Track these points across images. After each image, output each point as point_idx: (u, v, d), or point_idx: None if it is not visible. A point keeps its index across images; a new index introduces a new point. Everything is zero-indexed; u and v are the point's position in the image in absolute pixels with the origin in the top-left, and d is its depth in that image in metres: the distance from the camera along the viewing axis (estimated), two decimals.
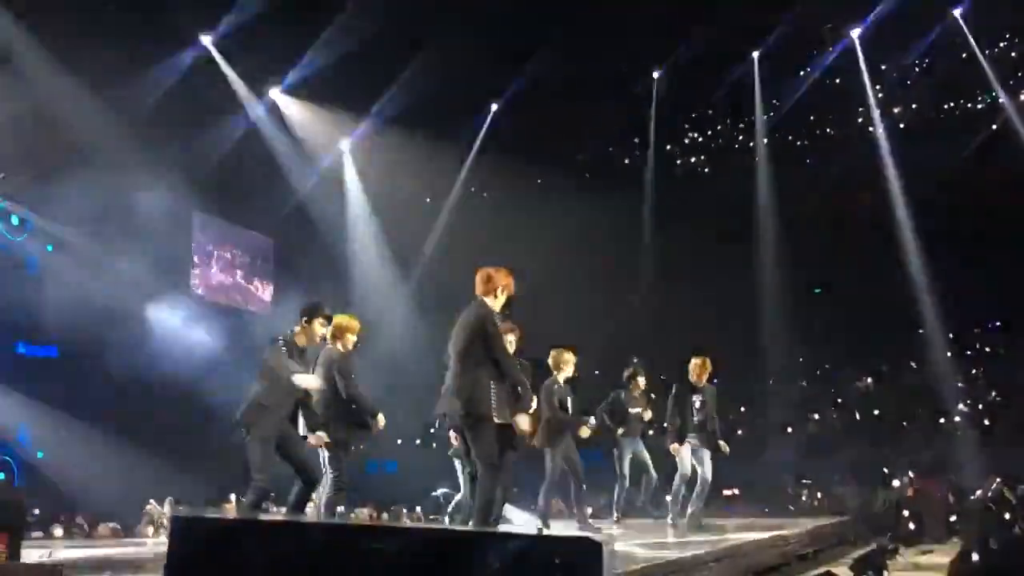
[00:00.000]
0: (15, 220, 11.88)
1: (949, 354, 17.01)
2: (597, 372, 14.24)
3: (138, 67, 12.63)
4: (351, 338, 6.92)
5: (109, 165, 11.75)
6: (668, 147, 20.22)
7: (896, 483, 13.95)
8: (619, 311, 18.26)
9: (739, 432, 15.83)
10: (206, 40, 13.90)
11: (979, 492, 12.45)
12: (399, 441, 14.51)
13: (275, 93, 15.44)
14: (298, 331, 6.76)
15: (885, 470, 14.43)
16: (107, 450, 11.62)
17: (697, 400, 9.07)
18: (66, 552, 7.61)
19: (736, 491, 14.22)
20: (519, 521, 9.74)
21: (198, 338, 13.18)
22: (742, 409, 17.36)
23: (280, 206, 15.71)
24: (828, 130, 19.42)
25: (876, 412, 16.76)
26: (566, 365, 8.75)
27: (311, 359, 6.84)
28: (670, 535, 8.59)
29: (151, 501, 10.35)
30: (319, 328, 6.79)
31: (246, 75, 14.62)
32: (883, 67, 17.96)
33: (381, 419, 6.73)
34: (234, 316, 14.79)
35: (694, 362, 9.25)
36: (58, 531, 10.15)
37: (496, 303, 6.01)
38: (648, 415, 10.38)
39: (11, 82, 10.88)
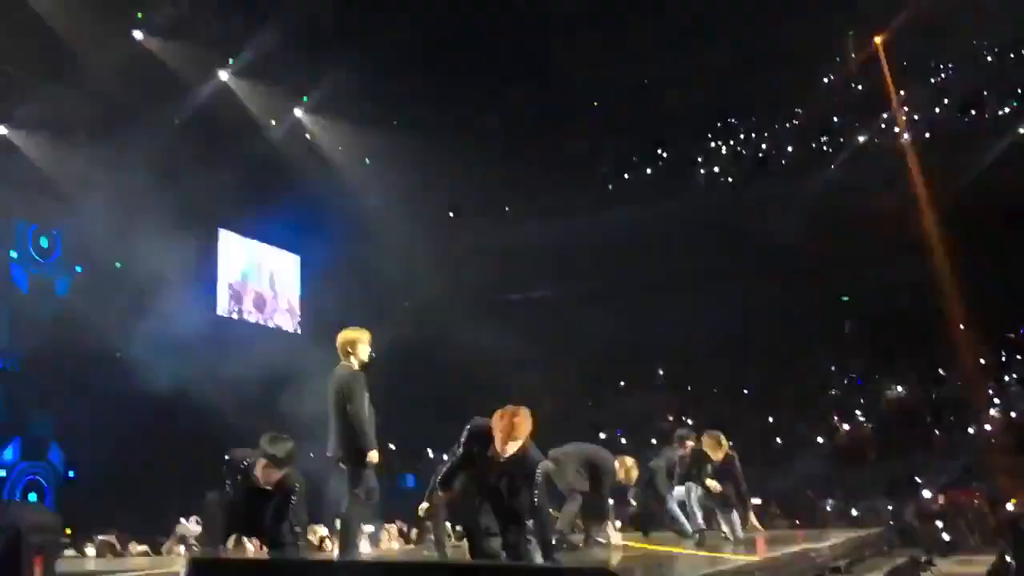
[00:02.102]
0: (44, 242, 12.04)
1: (982, 361, 16.77)
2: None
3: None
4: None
5: None
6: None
7: (927, 493, 13.77)
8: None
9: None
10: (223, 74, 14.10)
11: (1013, 501, 12.30)
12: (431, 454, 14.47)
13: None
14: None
15: (917, 480, 14.25)
16: (137, 469, 11.73)
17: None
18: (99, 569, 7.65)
19: (759, 500, 13.99)
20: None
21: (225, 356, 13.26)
22: (770, 420, 17.20)
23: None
24: (855, 137, 19.24)
25: (907, 421, 16.54)
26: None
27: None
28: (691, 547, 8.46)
29: (180, 519, 10.35)
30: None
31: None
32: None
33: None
34: (261, 334, 14.86)
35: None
36: (90, 550, 10.18)
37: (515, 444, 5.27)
38: None
39: None
